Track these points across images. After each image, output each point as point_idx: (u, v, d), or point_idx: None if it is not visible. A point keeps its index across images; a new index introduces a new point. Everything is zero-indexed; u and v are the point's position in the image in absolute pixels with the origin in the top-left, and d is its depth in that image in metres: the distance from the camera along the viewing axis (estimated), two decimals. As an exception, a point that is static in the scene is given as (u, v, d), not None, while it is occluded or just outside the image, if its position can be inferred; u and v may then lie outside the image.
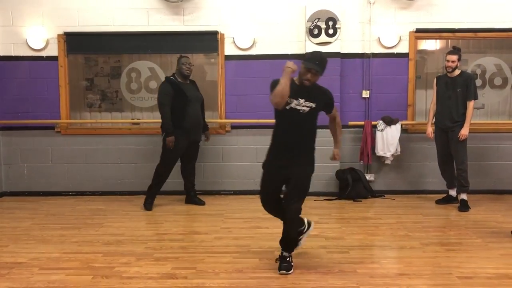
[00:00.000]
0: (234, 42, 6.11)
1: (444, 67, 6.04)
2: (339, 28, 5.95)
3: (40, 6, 6.11)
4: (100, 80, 6.54)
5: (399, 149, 6.00)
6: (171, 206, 5.64)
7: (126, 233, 4.53)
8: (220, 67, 6.16)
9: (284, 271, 3.43)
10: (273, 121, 6.10)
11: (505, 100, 6.36)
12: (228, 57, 6.12)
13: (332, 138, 4.00)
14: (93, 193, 6.29)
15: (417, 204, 5.63)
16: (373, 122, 6.04)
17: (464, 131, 5.29)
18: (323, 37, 5.95)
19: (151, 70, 6.42)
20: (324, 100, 3.56)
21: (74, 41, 6.19)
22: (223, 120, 6.22)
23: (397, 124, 5.96)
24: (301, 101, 3.41)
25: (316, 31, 5.95)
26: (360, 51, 6.09)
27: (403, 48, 6.09)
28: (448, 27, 6.04)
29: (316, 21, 5.94)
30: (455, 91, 5.36)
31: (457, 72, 5.39)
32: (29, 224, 4.90)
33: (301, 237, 3.70)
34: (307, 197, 5.94)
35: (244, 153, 6.25)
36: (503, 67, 6.30)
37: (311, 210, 5.48)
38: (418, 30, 6.05)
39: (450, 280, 3.33)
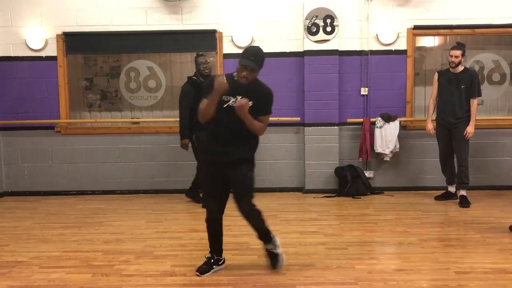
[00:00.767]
0: (232, 41, 6.12)
1: (442, 63, 6.07)
2: (337, 25, 5.96)
3: (39, 6, 6.14)
4: (100, 79, 6.56)
5: (398, 146, 6.01)
6: (171, 205, 5.66)
7: (126, 232, 4.55)
8: (218, 66, 6.18)
9: (277, 268, 3.43)
10: (272, 118, 6.14)
11: (504, 96, 6.37)
12: (227, 56, 6.14)
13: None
14: (93, 192, 6.32)
15: (416, 201, 5.64)
16: (372, 119, 6.06)
17: (471, 129, 5.28)
18: (321, 35, 5.97)
19: (150, 69, 6.44)
20: (262, 101, 3.32)
21: (73, 41, 6.21)
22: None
23: (395, 121, 5.97)
24: (238, 98, 3.22)
25: (314, 29, 5.97)
26: (358, 49, 6.10)
27: (401, 45, 6.10)
28: (446, 23, 6.05)
29: (314, 18, 5.95)
30: (459, 88, 5.31)
31: (460, 68, 5.35)
32: (29, 224, 4.93)
33: (277, 251, 3.49)
34: (306, 194, 6.07)
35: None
36: (501, 63, 6.30)
37: (310, 207, 5.53)
38: (416, 27, 6.06)
39: (447, 275, 3.34)
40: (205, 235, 4.09)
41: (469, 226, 4.58)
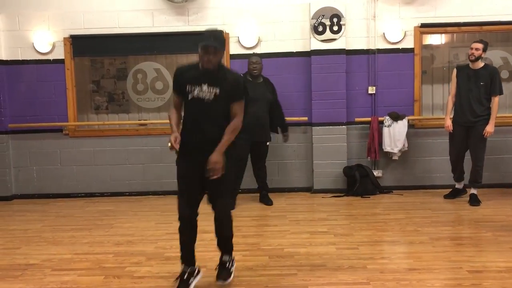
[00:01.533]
0: (239, 41, 6.12)
1: (449, 61, 6.03)
2: (344, 24, 5.95)
3: (46, 10, 6.16)
4: (106, 82, 6.58)
5: (406, 145, 5.99)
6: (180, 206, 5.66)
7: (136, 234, 4.56)
8: (225, 67, 6.18)
9: (221, 281, 3.20)
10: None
11: (513, 93, 6.34)
12: (233, 56, 6.14)
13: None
14: (101, 195, 6.33)
15: (425, 199, 5.61)
16: (380, 118, 6.04)
17: (490, 128, 5.12)
18: (327, 34, 5.95)
19: (157, 71, 6.46)
20: (231, 85, 3.05)
21: (80, 44, 6.23)
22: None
23: (404, 120, 5.94)
24: (204, 87, 3.01)
25: (320, 28, 5.95)
26: (365, 47, 6.08)
27: (408, 43, 6.08)
28: (453, 21, 6.02)
29: (320, 18, 5.94)
30: (478, 84, 5.14)
31: (480, 64, 5.19)
32: (40, 226, 4.95)
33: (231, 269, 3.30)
34: (314, 194, 6.07)
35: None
36: (509, 60, 6.27)
37: (319, 207, 5.51)
38: (423, 25, 6.03)
39: (460, 274, 3.32)
40: (215, 235, 4.09)
41: (480, 224, 4.55)
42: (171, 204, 5.71)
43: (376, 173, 6.12)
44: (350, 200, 5.75)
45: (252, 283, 3.30)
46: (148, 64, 6.45)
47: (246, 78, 5.34)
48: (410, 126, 6.05)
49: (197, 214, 3.19)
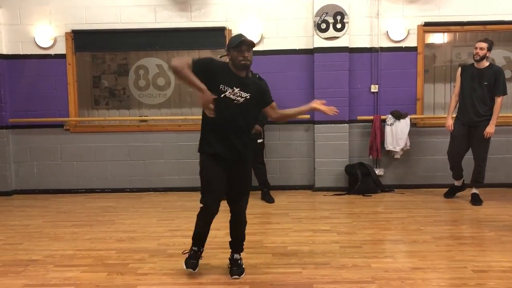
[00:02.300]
0: (242, 38, 6.09)
1: (451, 60, 6.02)
2: (347, 22, 5.93)
3: (48, 4, 6.12)
4: (107, 77, 6.55)
5: (408, 143, 5.98)
6: (181, 203, 5.65)
7: (138, 230, 4.54)
8: (228, 63, 6.15)
9: (236, 276, 3.32)
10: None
11: (515, 93, 6.32)
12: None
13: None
14: (102, 191, 6.31)
15: (427, 198, 5.61)
16: (382, 117, 6.03)
17: (490, 129, 5.08)
18: (331, 32, 5.93)
19: (158, 67, 6.43)
20: (259, 91, 3.25)
21: (81, 39, 6.19)
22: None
23: (406, 118, 5.93)
24: (236, 90, 3.15)
25: (324, 26, 5.93)
26: (368, 46, 6.07)
27: (412, 42, 6.06)
28: (457, 20, 6.01)
29: (324, 15, 5.92)
30: (481, 84, 5.11)
31: (485, 63, 5.14)
32: (41, 222, 4.92)
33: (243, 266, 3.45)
34: (316, 192, 6.07)
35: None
36: (512, 60, 6.27)
37: (321, 205, 5.50)
38: (427, 24, 6.02)
39: (465, 273, 3.32)
40: (218, 233, 4.10)
41: (483, 224, 4.55)
42: (172, 200, 5.77)
43: (378, 171, 6.11)
44: (352, 199, 5.75)
45: (257, 280, 3.29)
46: (150, 60, 6.42)
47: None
48: (412, 124, 6.03)
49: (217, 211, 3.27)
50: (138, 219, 4.95)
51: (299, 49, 6.11)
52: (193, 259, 3.35)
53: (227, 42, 3.30)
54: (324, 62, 5.97)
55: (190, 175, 6.04)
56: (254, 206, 5.47)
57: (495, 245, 3.91)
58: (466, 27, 6.06)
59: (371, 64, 6.08)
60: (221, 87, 3.12)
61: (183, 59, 3.09)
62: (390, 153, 6.09)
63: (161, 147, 6.27)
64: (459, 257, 3.65)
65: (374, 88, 6.10)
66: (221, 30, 6.10)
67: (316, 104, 3.29)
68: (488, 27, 6.04)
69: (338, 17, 5.92)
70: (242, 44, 3.11)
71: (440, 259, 3.61)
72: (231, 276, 3.34)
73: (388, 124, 5.96)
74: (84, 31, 6.15)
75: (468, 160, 5.45)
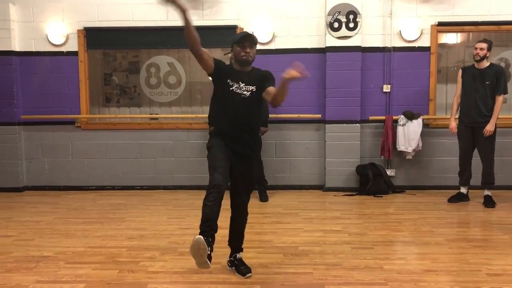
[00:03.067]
0: (254, 37, 6.07)
1: (465, 61, 5.95)
2: (360, 21, 5.88)
3: (60, 1, 6.15)
4: (118, 75, 6.57)
5: (420, 144, 5.92)
6: (191, 201, 5.65)
7: (149, 228, 4.54)
8: (239, 62, 6.13)
9: (249, 274, 3.31)
10: (293, 115, 6.10)
11: (529, 94, 6.24)
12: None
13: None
14: (112, 188, 6.33)
15: (439, 200, 5.55)
16: (394, 117, 5.98)
17: (490, 127, 5.08)
18: (343, 31, 5.89)
19: (170, 65, 6.43)
20: (262, 76, 3.23)
21: (94, 37, 6.21)
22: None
23: (418, 119, 5.88)
24: (242, 85, 3.19)
25: (336, 25, 5.90)
26: (381, 45, 6.02)
27: (425, 41, 6.01)
28: (471, 20, 5.94)
29: (336, 14, 5.88)
30: (483, 84, 5.11)
31: (486, 63, 5.16)
32: (52, 218, 4.95)
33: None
34: (326, 192, 6.04)
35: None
36: (527, 60, 6.19)
37: (332, 205, 5.47)
38: (440, 24, 5.96)
39: (479, 277, 3.27)
40: (227, 231, 3.98)
41: (496, 227, 4.50)
42: (182, 198, 5.76)
43: (389, 172, 6.07)
44: (363, 199, 5.71)
45: (268, 281, 3.27)
46: (162, 58, 6.42)
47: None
48: (425, 125, 5.98)
49: (225, 190, 3.04)
50: (149, 217, 4.96)
51: (311, 48, 6.08)
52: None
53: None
54: (336, 61, 5.93)
55: (200, 173, 6.03)
56: (264, 205, 5.47)
57: (509, 248, 3.86)
58: (480, 27, 5.99)
59: (383, 64, 6.03)
60: (228, 81, 3.20)
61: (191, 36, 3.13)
62: (402, 153, 6.04)
63: (172, 145, 6.28)
64: (473, 260, 3.61)
65: (386, 88, 6.05)
66: (232, 29, 6.08)
67: (286, 74, 3.03)
68: (503, 27, 5.97)
69: (351, 16, 5.88)
70: (244, 39, 3.15)
71: (453, 262, 3.57)
72: (244, 275, 3.31)
73: (400, 125, 5.91)
74: (96, 28, 6.17)
75: (476, 165, 5.39)
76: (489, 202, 5.24)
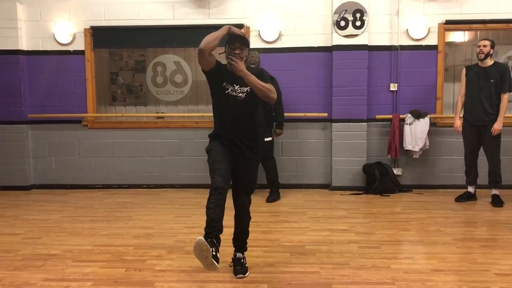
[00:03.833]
0: (260, 35, 6.07)
1: (472, 59, 5.91)
2: (367, 20, 5.86)
3: (67, 1, 6.18)
4: (125, 74, 6.58)
5: (427, 143, 5.89)
6: (197, 200, 5.64)
7: (155, 226, 4.55)
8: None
9: (241, 275, 3.28)
10: (299, 114, 6.09)
11: (537, 93, 6.19)
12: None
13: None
14: (119, 186, 6.35)
15: (446, 199, 5.52)
16: (401, 116, 5.95)
17: (498, 126, 5.05)
18: (350, 29, 5.87)
19: (176, 64, 6.43)
20: (255, 76, 3.14)
21: (100, 36, 6.23)
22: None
23: (426, 118, 5.85)
24: (236, 87, 3.17)
25: (343, 23, 5.88)
26: (388, 44, 6.00)
27: (432, 40, 5.98)
28: (479, 18, 5.90)
29: (343, 13, 5.86)
30: (488, 82, 5.08)
31: (490, 62, 5.13)
32: (59, 217, 4.96)
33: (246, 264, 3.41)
34: (333, 191, 6.02)
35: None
36: (535, 59, 6.14)
37: (338, 204, 5.46)
38: (448, 22, 5.92)
39: (487, 277, 3.25)
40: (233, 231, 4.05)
41: (504, 226, 4.47)
42: (189, 197, 5.77)
43: (396, 171, 6.04)
44: (369, 198, 5.69)
45: (275, 279, 3.26)
46: (168, 57, 6.43)
47: None
48: (432, 124, 5.95)
49: (227, 190, 3.05)
50: (155, 216, 4.97)
51: (317, 47, 6.06)
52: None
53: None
54: (342, 60, 5.91)
55: (206, 172, 5.87)
56: (271, 204, 5.47)
57: (518, 248, 3.84)
58: (488, 25, 5.95)
59: (390, 63, 6.01)
60: (224, 84, 3.18)
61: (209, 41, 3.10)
62: (408, 152, 6.02)
63: (178, 143, 6.28)
64: (481, 259, 3.58)
65: (393, 87, 6.02)
66: (239, 27, 6.06)
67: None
68: (511, 25, 5.91)
69: (358, 15, 5.85)
70: (235, 40, 3.11)
71: (462, 262, 3.55)
72: (235, 275, 3.29)
73: (407, 123, 5.89)
74: (103, 27, 6.18)
75: (482, 164, 5.36)
76: (497, 202, 5.20)
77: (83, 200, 5.71)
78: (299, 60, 6.07)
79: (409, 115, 5.90)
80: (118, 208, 5.30)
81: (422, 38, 5.97)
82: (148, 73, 6.48)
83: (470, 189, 5.45)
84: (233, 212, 3.39)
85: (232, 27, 3.18)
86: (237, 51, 3.11)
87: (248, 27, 6.07)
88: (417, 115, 5.86)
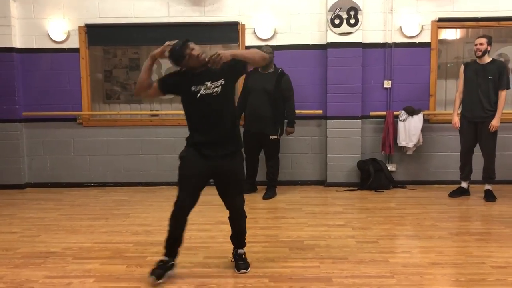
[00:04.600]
0: (255, 33, 6.10)
1: (463, 57, 5.99)
2: (361, 18, 5.91)
3: (61, -2, 6.14)
4: (119, 71, 6.57)
5: (421, 140, 5.97)
6: (194, 197, 5.66)
7: (154, 223, 4.57)
8: (241, 58, 6.15)
9: (244, 270, 3.31)
10: (295, 111, 6.09)
11: (528, 90, 6.29)
12: (249, 48, 6.10)
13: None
14: (115, 184, 6.34)
15: (440, 195, 5.60)
16: (395, 112, 6.02)
17: (496, 122, 5.11)
18: (344, 27, 5.92)
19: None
20: (227, 69, 3.09)
21: (95, 33, 6.20)
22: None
23: (419, 114, 5.92)
24: (208, 83, 3.06)
25: (337, 21, 5.92)
26: (381, 41, 6.05)
27: (425, 37, 6.04)
28: (471, 15, 5.98)
29: (337, 11, 5.91)
30: (486, 79, 5.15)
31: (488, 59, 5.19)
32: (56, 215, 4.95)
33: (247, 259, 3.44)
34: (328, 188, 6.07)
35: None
36: (526, 56, 6.24)
37: (334, 200, 5.51)
38: (441, 19, 6.00)
39: (483, 269, 3.32)
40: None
41: (498, 220, 4.55)
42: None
43: (390, 167, 6.11)
44: (364, 194, 5.75)
45: (275, 274, 3.30)
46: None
47: (255, 68, 5.23)
48: (425, 120, 6.02)
49: (193, 207, 3.24)
50: (153, 213, 4.98)
51: (312, 44, 6.10)
52: (160, 269, 3.19)
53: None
54: (337, 58, 5.96)
55: None
56: (267, 200, 5.50)
57: (511, 241, 3.91)
58: (481, 23, 6.03)
59: (384, 60, 6.07)
60: (193, 89, 3.07)
61: (139, 82, 3.20)
62: (402, 149, 6.09)
63: (173, 141, 6.29)
64: (477, 252, 3.65)
65: (387, 84, 6.09)
66: (234, 25, 6.10)
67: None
68: (503, 23, 6.01)
69: (352, 12, 5.90)
70: (177, 55, 3.04)
71: (458, 255, 3.62)
72: (238, 270, 3.31)
73: (401, 120, 5.96)
74: (97, 25, 6.16)
75: (477, 160, 5.44)
76: (489, 196, 5.29)
77: (79, 198, 5.70)
78: (294, 57, 6.11)
79: (403, 111, 5.97)
80: (115, 206, 5.31)
81: (415, 36, 6.04)
82: (143, 70, 6.46)
83: (464, 184, 5.53)
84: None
85: (152, 53, 3.12)
86: (193, 53, 3.03)
87: (243, 25, 6.09)
88: (411, 112, 5.93)
